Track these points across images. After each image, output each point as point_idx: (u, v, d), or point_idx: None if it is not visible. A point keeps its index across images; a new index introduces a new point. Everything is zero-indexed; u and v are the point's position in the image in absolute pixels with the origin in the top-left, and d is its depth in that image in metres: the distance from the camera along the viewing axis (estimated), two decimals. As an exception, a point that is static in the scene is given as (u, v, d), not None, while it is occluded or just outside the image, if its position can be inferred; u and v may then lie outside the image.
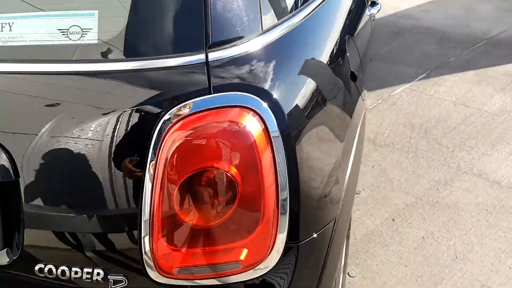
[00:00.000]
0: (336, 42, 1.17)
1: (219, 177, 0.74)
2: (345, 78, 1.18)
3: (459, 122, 2.78)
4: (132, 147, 0.77)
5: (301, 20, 0.99)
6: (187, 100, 0.74)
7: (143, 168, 0.73)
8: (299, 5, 1.04)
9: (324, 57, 1.08)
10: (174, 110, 0.73)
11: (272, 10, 0.93)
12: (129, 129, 0.75)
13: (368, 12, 1.74)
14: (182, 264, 0.78)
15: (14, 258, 0.82)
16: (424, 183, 2.28)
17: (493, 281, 1.76)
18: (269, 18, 0.89)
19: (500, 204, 2.14)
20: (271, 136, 0.76)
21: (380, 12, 2.01)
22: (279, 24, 0.91)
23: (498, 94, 3.08)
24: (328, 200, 0.97)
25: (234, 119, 0.74)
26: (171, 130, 0.73)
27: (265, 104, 0.77)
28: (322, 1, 1.13)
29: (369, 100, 2.94)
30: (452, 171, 2.36)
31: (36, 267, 0.81)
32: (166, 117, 0.73)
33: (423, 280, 1.77)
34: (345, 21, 1.32)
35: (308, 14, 1.03)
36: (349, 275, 1.77)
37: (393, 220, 2.07)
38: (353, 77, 1.19)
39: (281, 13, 0.95)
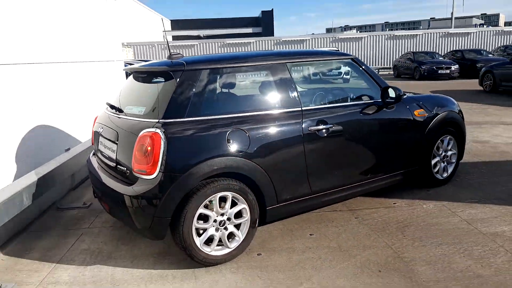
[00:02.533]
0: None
1: (144, 148, 2.84)
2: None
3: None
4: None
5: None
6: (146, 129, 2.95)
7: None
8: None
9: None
10: (142, 131, 2.91)
11: (195, 110, 3.01)
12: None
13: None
14: (134, 168, 2.92)
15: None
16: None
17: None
18: (190, 112, 3.00)
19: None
20: (162, 141, 2.82)
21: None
22: (194, 116, 2.99)
23: None
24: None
25: (152, 135, 2.86)
26: (140, 134, 2.90)
27: (164, 134, 2.85)
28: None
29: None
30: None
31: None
32: (141, 132, 2.91)
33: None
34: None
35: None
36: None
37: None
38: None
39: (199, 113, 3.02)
